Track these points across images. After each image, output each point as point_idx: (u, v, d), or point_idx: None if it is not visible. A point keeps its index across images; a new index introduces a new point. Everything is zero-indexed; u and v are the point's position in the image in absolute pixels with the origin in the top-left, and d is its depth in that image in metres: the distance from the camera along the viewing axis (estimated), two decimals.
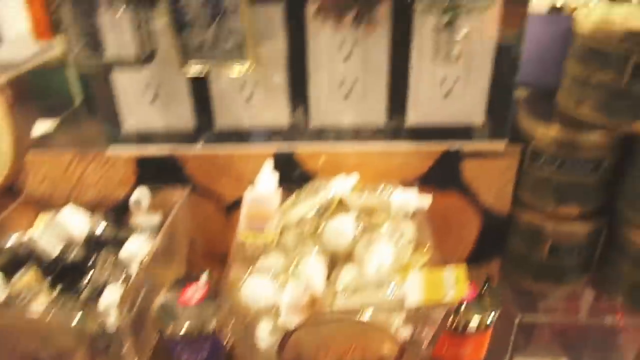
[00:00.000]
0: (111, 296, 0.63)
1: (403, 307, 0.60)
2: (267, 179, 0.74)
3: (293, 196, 0.73)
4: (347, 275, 0.66)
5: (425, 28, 0.66)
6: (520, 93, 0.87)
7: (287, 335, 0.57)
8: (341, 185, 0.75)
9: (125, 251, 0.72)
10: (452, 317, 0.65)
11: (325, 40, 0.70)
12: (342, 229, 0.67)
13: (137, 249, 0.73)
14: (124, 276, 0.68)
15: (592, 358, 0.87)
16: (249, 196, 0.71)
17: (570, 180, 0.76)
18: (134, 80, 0.74)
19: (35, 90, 0.97)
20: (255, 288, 0.61)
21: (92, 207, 0.82)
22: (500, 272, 0.90)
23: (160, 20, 0.62)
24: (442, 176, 0.81)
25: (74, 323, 0.58)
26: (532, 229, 0.81)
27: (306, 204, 0.72)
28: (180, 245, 0.83)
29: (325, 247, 0.69)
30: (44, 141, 0.86)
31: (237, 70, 0.66)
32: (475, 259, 0.88)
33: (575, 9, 0.77)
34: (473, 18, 0.62)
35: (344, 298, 0.61)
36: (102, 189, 0.82)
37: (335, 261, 0.70)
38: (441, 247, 0.87)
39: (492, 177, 0.80)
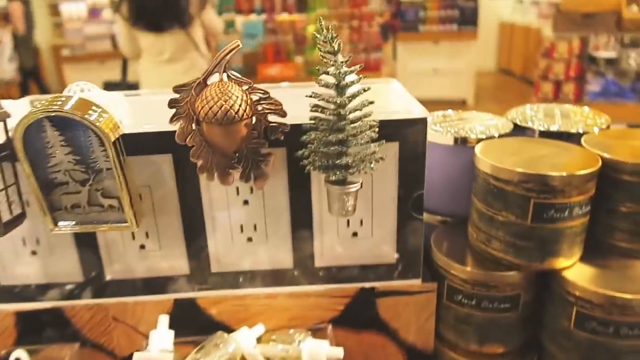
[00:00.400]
0: None
1: None
2: (161, 336, 0.67)
3: (190, 357, 0.66)
4: None
5: (321, 181, 0.63)
6: (434, 221, 0.85)
7: None
8: (244, 338, 0.69)
9: None
10: None
11: (220, 188, 0.66)
12: None
13: None
14: None
15: None
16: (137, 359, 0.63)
17: (490, 318, 0.72)
18: (8, 235, 0.67)
19: None
20: None
21: None
22: None
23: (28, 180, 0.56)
24: (358, 316, 0.75)
25: None
26: None
27: None
28: None
29: None
30: None
31: (118, 230, 0.60)
32: None
33: (478, 140, 0.78)
34: (367, 172, 0.60)
35: None
36: None
37: None
38: None
39: (411, 314, 0.76)
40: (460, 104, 5.59)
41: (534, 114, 0.89)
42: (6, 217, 0.57)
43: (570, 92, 3.85)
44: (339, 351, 0.67)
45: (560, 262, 0.69)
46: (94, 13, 5.94)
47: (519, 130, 0.85)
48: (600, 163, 0.67)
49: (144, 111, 0.72)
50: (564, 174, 0.64)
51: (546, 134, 0.81)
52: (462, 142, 0.79)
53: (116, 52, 4.50)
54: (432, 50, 5.69)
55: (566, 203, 0.65)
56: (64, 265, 0.70)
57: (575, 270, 0.69)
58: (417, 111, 0.66)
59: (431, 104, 0.77)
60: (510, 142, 0.77)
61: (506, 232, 0.68)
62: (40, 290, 0.72)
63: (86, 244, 0.69)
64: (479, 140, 0.78)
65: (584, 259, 0.71)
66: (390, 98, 0.84)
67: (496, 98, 6.11)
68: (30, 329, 0.73)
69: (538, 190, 0.65)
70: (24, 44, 5.00)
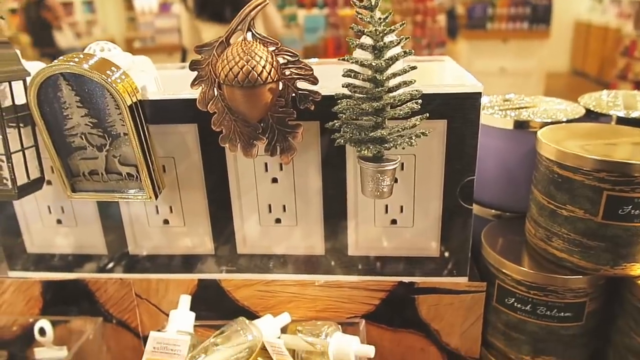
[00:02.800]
0: None
1: None
2: (181, 317, 0.63)
3: (209, 341, 0.61)
4: None
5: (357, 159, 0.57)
6: (488, 215, 0.76)
7: None
8: (267, 327, 0.63)
9: None
10: None
11: (247, 162, 0.61)
12: None
13: None
14: None
15: None
16: (152, 340, 0.60)
17: (547, 327, 0.63)
18: (35, 200, 0.66)
19: None
20: None
21: None
22: None
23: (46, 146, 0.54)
24: (395, 313, 0.68)
25: None
26: None
27: (221, 352, 0.60)
28: None
29: None
30: None
31: (136, 200, 0.57)
32: None
33: (542, 125, 0.68)
34: (409, 148, 0.53)
35: None
36: (4, 316, 0.72)
37: None
38: None
39: (455, 316, 0.68)
40: None
41: (611, 100, 0.78)
42: (22, 180, 0.55)
43: None
44: (370, 349, 0.61)
45: (636, 269, 0.58)
46: (164, 7, 6.18)
47: (592, 116, 0.74)
48: None
49: (180, 83, 0.68)
50: None
51: (626, 121, 0.70)
52: (523, 126, 0.70)
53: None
54: (500, 49, 5.42)
55: None
56: (87, 236, 0.68)
57: None
58: (469, 84, 0.58)
59: None
60: (580, 127, 0.67)
61: (571, 229, 0.59)
62: (65, 261, 0.71)
63: (110, 215, 0.67)
64: (544, 125, 0.68)
65: None
66: (442, 74, 0.76)
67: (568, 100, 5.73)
68: (56, 299, 0.71)
69: (613, 181, 0.54)
70: None
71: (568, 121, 0.70)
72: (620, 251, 0.57)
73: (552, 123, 0.69)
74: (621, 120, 0.70)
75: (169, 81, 0.70)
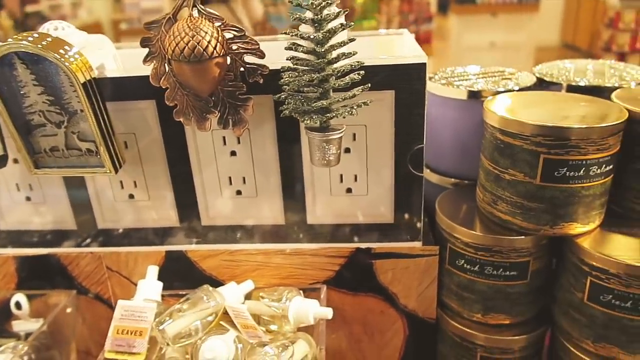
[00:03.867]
0: None
1: None
2: (148, 286, 0.66)
3: (174, 307, 0.65)
4: None
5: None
6: (446, 184, 0.79)
7: None
8: (230, 293, 0.67)
9: None
10: None
11: (206, 137, 0.64)
12: (213, 355, 0.58)
13: None
14: None
15: None
16: (120, 308, 0.63)
17: (495, 286, 0.66)
18: (4, 178, 0.69)
19: None
20: None
21: None
22: None
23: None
24: (354, 278, 0.72)
25: None
26: (461, 339, 0.71)
27: (187, 317, 0.64)
28: (64, 353, 0.74)
29: None
30: None
31: (96, 175, 0.59)
32: None
33: (494, 94, 0.71)
34: (356, 116, 0.55)
35: None
36: None
37: None
38: (366, 354, 0.78)
39: (411, 279, 0.71)
40: None
41: (566, 69, 0.80)
42: None
43: None
44: (328, 311, 0.64)
45: (574, 228, 0.61)
46: None
47: (544, 85, 0.76)
48: (627, 116, 0.59)
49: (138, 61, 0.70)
50: (580, 125, 0.56)
51: (575, 89, 0.73)
52: (476, 96, 0.72)
53: None
54: (490, 24, 5.39)
55: (582, 160, 0.57)
56: (57, 212, 0.71)
57: (592, 238, 0.62)
58: (414, 55, 0.60)
59: None
60: (529, 95, 0.70)
61: (513, 193, 0.62)
62: (37, 237, 0.73)
63: (77, 192, 0.69)
64: (496, 94, 0.70)
65: (604, 225, 0.64)
66: (396, 48, 0.78)
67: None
68: (30, 274, 0.74)
69: (549, 145, 0.57)
70: None
71: (520, 90, 0.72)
72: (558, 211, 0.60)
73: (504, 92, 0.71)
74: (570, 88, 0.73)
75: (132, 60, 0.72)
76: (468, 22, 5.41)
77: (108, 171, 0.59)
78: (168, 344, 0.62)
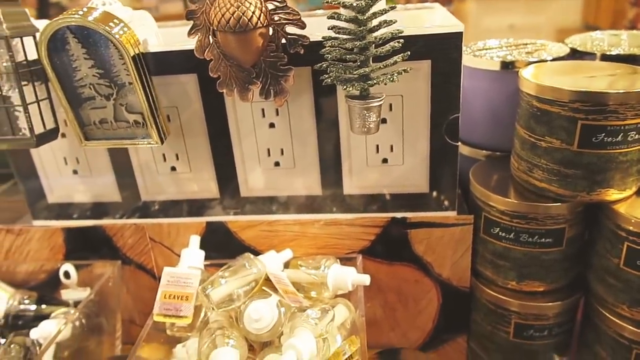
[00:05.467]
0: None
1: None
2: (191, 255, 0.69)
3: (217, 274, 0.67)
4: None
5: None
6: (479, 156, 0.80)
7: None
8: (271, 261, 0.69)
9: (38, 332, 0.67)
10: None
11: (245, 109, 0.66)
12: (259, 316, 0.60)
13: (53, 328, 0.67)
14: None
15: None
16: (166, 275, 0.66)
17: (530, 253, 0.67)
18: (52, 153, 0.71)
19: None
20: None
21: (23, 281, 0.78)
22: (468, 352, 0.81)
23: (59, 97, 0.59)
24: (389, 247, 0.73)
25: None
26: (496, 306, 0.72)
27: (229, 284, 0.66)
28: (111, 321, 0.77)
29: (245, 333, 0.62)
30: None
31: (144, 145, 0.62)
32: (438, 336, 0.79)
33: (527, 64, 0.71)
34: (393, 85, 0.56)
35: None
36: (32, 263, 0.78)
37: (259, 347, 0.64)
38: (400, 322, 0.79)
39: (446, 248, 0.72)
40: None
41: (598, 39, 0.80)
42: (39, 129, 0.60)
43: None
44: (366, 278, 0.66)
45: (611, 194, 0.62)
46: None
47: (577, 55, 0.76)
48: None
49: (179, 39, 0.72)
50: (619, 90, 0.57)
51: (609, 58, 0.73)
52: (509, 67, 0.73)
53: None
54: (508, 5, 5.30)
55: (620, 126, 0.58)
56: (103, 185, 0.74)
57: (629, 204, 0.63)
58: (451, 24, 0.61)
59: None
60: (563, 64, 0.70)
61: (549, 160, 0.63)
62: (83, 209, 0.77)
63: (121, 165, 0.72)
64: (528, 65, 0.71)
65: None
66: (431, 19, 0.78)
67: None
68: (77, 245, 0.77)
69: (586, 111, 0.58)
70: None
71: (553, 60, 0.73)
72: (595, 177, 0.61)
73: (537, 62, 0.72)
74: (605, 58, 0.73)
75: (169, 37, 0.74)
76: (487, 4, 5.32)
77: (154, 142, 0.61)
78: (213, 309, 0.65)
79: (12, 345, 0.64)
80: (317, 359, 0.58)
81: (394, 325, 0.79)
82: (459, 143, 0.67)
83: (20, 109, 0.57)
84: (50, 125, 0.61)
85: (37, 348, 0.67)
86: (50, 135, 0.61)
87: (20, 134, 0.59)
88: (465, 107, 0.78)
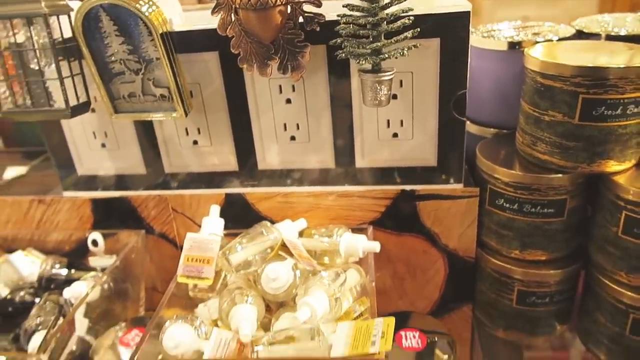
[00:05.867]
0: (37, 343, 0.63)
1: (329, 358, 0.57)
2: (212, 222, 0.73)
3: (236, 240, 0.71)
4: (281, 323, 0.64)
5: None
6: (487, 134, 0.83)
7: None
8: (286, 229, 0.73)
9: (70, 291, 0.72)
10: None
11: (263, 85, 0.70)
12: (276, 275, 0.65)
13: (83, 289, 0.72)
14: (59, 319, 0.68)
15: None
16: (189, 240, 0.70)
17: (533, 223, 0.71)
18: (82, 127, 0.76)
19: (14, 138, 1.03)
20: (175, 335, 0.59)
21: (53, 250, 0.84)
22: (473, 320, 0.85)
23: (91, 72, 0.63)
24: (399, 219, 0.77)
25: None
26: (500, 274, 0.76)
27: (248, 249, 0.70)
28: (136, 287, 0.82)
29: (263, 293, 0.67)
30: (10, 186, 0.89)
31: (169, 119, 0.66)
32: (445, 304, 0.83)
33: (533, 44, 0.74)
34: (404, 61, 0.60)
35: (266, 348, 0.58)
36: (62, 232, 0.83)
37: (275, 307, 0.68)
38: (408, 291, 0.83)
39: (452, 219, 0.76)
40: None
41: (604, 22, 0.83)
42: (73, 102, 0.64)
43: None
44: (376, 245, 0.70)
45: (610, 166, 0.65)
46: None
47: (583, 36, 0.79)
48: None
49: (199, 20, 0.76)
50: (619, 65, 0.60)
51: (614, 39, 0.75)
52: (516, 47, 0.76)
53: None
54: None
55: (619, 99, 0.61)
56: (129, 158, 0.79)
57: (628, 176, 0.66)
58: (459, 4, 0.64)
59: None
60: (568, 44, 0.73)
61: (552, 133, 0.66)
62: (110, 181, 0.81)
63: (147, 138, 0.76)
64: (535, 44, 0.74)
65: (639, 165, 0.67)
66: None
67: None
68: (104, 215, 0.82)
69: (587, 85, 0.61)
70: None
71: (559, 40, 0.76)
72: (595, 149, 0.64)
73: (544, 42, 0.75)
74: (609, 38, 0.76)
75: (190, 19, 0.78)
76: None
77: (179, 115, 0.66)
78: (232, 272, 0.69)
79: (47, 302, 0.69)
80: (330, 317, 0.62)
81: (402, 294, 0.83)
82: (467, 120, 0.71)
83: (56, 83, 0.62)
84: (83, 98, 0.66)
85: (69, 307, 0.72)
86: (82, 108, 0.66)
87: (56, 106, 0.64)
88: (474, 87, 0.81)
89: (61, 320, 0.68)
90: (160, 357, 0.60)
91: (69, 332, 0.64)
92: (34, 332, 0.65)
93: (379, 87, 0.59)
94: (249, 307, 0.63)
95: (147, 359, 0.59)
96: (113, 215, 0.82)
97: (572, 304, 0.78)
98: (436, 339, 0.68)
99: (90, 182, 0.82)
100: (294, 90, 0.71)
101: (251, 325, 0.61)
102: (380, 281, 0.83)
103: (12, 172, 0.92)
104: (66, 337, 0.64)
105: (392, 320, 0.57)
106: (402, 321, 0.74)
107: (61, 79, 0.61)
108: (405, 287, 0.83)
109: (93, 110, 0.74)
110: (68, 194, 0.83)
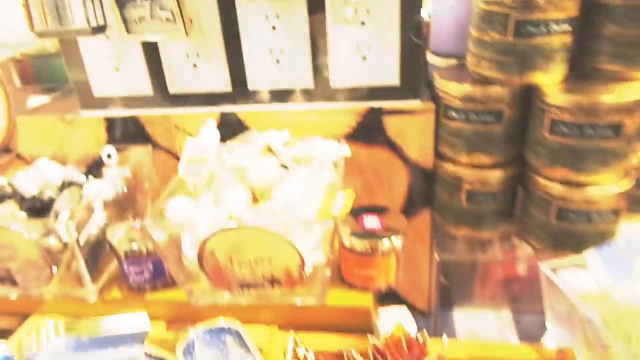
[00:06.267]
0: (65, 217, 0.76)
1: (305, 225, 0.71)
2: (208, 131, 0.87)
3: (228, 143, 0.85)
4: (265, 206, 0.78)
5: (335, 10, 0.78)
6: (449, 65, 0.97)
7: (202, 244, 0.69)
8: (272, 137, 0.87)
9: (89, 187, 0.85)
10: (361, 243, 0.75)
11: (252, 14, 0.83)
12: (263, 166, 0.79)
13: (101, 187, 0.86)
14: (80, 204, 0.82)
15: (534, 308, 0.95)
16: (190, 144, 0.84)
17: (477, 130, 0.85)
18: (97, 52, 0.89)
19: (39, 74, 1.16)
20: (177, 206, 0.72)
21: (74, 163, 0.97)
22: (431, 221, 0.99)
23: None
24: (368, 133, 0.91)
25: (35, 237, 0.72)
26: (452, 178, 0.90)
27: (239, 151, 0.84)
28: (143, 194, 0.96)
29: (251, 184, 0.80)
30: (35, 110, 1.02)
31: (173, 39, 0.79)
32: (408, 209, 0.98)
33: None
34: None
35: (253, 218, 0.72)
36: (80, 147, 0.97)
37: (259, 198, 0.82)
38: (377, 198, 0.98)
39: (413, 132, 0.90)
40: None
41: None
42: (93, 24, 0.77)
43: None
44: (345, 148, 0.84)
45: (538, 77, 0.79)
46: None
47: None
48: None
49: None
50: None
51: None
52: None
53: None
54: None
55: (543, 19, 0.74)
56: (138, 80, 0.92)
57: (554, 86, 0.80)
58: None
59: None
60: None
61: (492, 51, 0.79)
62: (122, 101, 0.94)
63: (153, 60, 0.89)
64: None
65: (567, 81, 0.81)
66: None
67: None
68: (117, 132, 0.96)
69: (518, 7, 0.75)
70: None
71: None
72: (525, 62, 0.78)
73: None
74: None
75: None
76: None
77: (181, 34, 0.79)
78: (227, 169, 0.83)
79: (71, 194, 0.83)
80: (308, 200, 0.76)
81: (372, 201, 0.98)
82: (432, 56, 0.84)
83: (80, 5, 0.74)
84: (101, 22, 0.79)
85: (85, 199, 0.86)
86: (101, 29, 0.79)
87: (80, 26, 0.77)
88: (438, 22, 0.95)
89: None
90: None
91: (89, 213, 0.77)
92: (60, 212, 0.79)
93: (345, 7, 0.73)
94: (238, 190, 0.77)
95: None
96: (125, 133, 0.95)
97: (514, 205, 0.93)
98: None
99: (105, 102, 0.95)
100: (278, 18, 0.84)
101: (241, 203, 0.76)
102: (353, 190, 0.97)
103: (37, 101, 1.04)
104: (87, 216, 0.77)
105: (350, 192, 0.71)
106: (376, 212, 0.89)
107: (84, 1, 0.74)
108: (375, 195, 0.97)
109: (107, 38, 0.87)
110: (86, 113, 0.96)
